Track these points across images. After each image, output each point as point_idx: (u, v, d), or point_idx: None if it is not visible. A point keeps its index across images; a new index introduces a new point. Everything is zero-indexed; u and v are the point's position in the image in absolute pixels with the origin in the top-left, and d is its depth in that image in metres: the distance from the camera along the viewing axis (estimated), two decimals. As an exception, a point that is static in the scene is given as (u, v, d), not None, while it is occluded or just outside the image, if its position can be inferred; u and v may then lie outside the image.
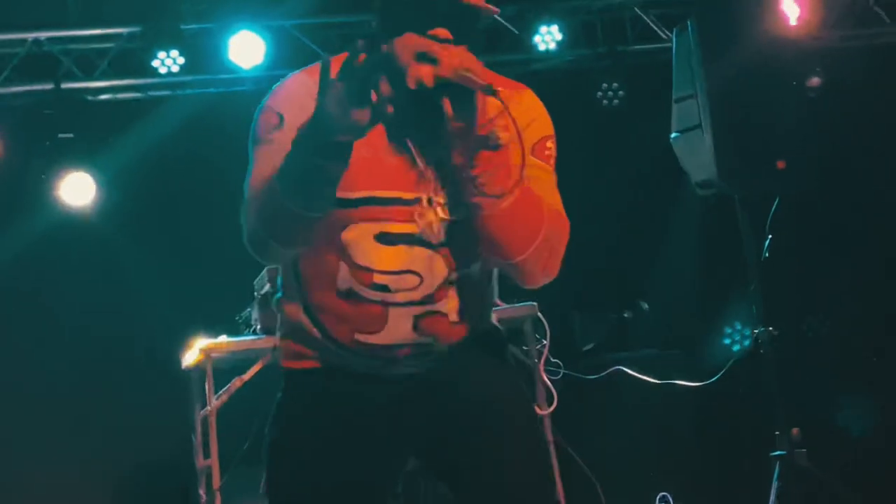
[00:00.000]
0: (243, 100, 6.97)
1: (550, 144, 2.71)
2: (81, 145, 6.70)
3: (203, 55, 6.85)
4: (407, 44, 2.49)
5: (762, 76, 5.71)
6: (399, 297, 2.65)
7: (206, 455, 5.50)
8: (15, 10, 6.51)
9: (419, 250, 2.65)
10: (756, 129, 5.62)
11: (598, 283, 7.49)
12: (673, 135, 5.82)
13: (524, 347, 5.73)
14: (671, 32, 6.52)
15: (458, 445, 2.69)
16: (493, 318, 2.91)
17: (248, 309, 5.60)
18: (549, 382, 5.70)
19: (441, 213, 2.64)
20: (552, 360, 5.82)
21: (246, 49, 6.74)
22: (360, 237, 2.63)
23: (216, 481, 5.43)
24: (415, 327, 2.67)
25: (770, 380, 5.41)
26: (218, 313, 5.67)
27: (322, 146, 2.39)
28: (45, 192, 6.76)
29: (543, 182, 2.66)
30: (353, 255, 2.63)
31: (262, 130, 2.65)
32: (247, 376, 5.35)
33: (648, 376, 6.28)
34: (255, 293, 5.52)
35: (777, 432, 5.32)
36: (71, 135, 6.64)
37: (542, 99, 2.73)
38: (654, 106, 6.22)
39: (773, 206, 5.56)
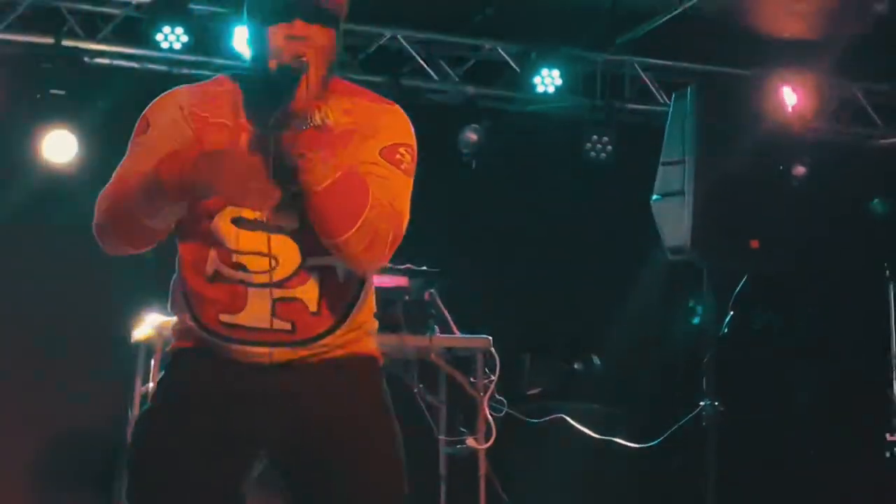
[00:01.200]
0: None
1: (403, 151, 2.86)
2: (71, 104, 6.65)
3: (207, 38, 6.81)
4: (270, 37, 2.77)
5: (752, 155, 5.81)
6: (256, 279, 2.78)
7: None
8: None
9: (276, 236, 2.78)
10: (736, 206, 5.71)
11: (555, 330, 7.51)
12: (654, 197, 5.90)
13: (472, 379, 5.72)
14: (668, 96, 6.62)
15: (310, 460, 2.84)
16: (374, 341, 3.01)
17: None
18: (490, 418, 5.70)
19: (278, 198, 2.72)
20: (497, 396, 5.81)
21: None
22: (220, 222, 2.78)
23: None
24: (273, 311, 2.79)
25: (708, 454, 5.45)
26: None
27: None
28: (28, 145, 6.71)
29: (390, 182, 2.80)
30: (217, 239, 2.78)
31: (135, 133, 2.87)
32: None
33: (589, 430, 6.29)
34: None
35: None
36: (63, 92, 6.59)
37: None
38: (640, 166, 6.27)
39: (740, 284, 5.61)
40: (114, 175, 2.83)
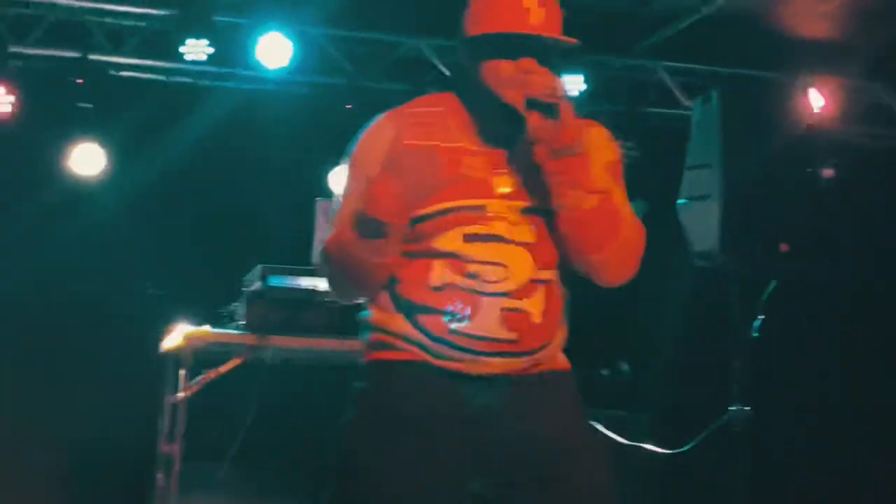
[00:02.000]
0: (263, 98, 7.06)
1: (619, 168, 2.93)
2: (98, 117, 6.72)
3: (231, 49, 6.83)
4: (500, 70, 2.82)
5: (779, 159, 5.77)
6: (489, 288, 2.79)
7: (171, 440, 5.50)
8: None
9: (507, 247, 2.81)
10: (765, 209, 5.67)
11: (584, 339, 7.48)
12: (680, 201, 5.86)
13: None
14: (691, 100, 6.61)
15: (524, 482, 2.79)
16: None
17: (235, 303, 5.58)
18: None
19: (517, 215, 2.82)
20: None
21: (273, 50, 6.73)
22: (450, 240, 2.81)
23: (176, 468, 5.41)
24: (502, 321, 2.78)
25: (740, 459, 5.42)
26: (202, 304, 5.66)
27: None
28: (56, 158, 6.77)
29: (619, 196, 2.87)
30: (447, 251, 2.81)
31: (349, 167, 2.92)
32: (223, 369, 5.36)
33: (618, 435, 6.26)
34: (244, 289, 5.51)
35: None
36: (90, 105, 6.66)
37: None
38: (664, 171, 6.27)
39: (770, 287, 5.58)
40: (335, 221, 2.88)
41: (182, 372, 5.50)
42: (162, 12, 6.72)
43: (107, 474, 6.70)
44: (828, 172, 6.54)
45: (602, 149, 2.91)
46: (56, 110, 6.70)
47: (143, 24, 6.79)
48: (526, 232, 2.84)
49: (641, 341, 7.47)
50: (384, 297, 2.87)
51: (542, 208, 2.85)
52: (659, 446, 6.31)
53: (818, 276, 5.97)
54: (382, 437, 2.79)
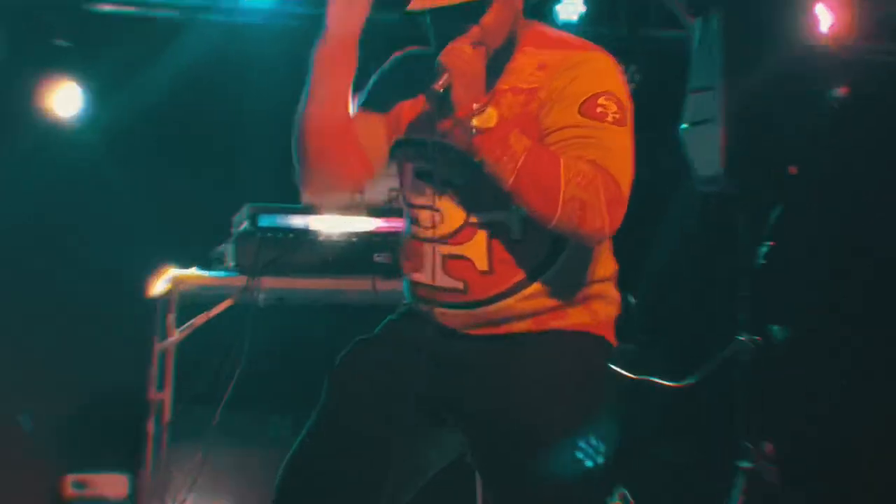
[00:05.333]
0: (249, 33, 6.98)
1: (604, 101, 2.80)
2: (75, 55, 6.69)
3: None
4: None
5: (785, 79, 5.78)
6: (426, 233, 2.90)
7: (160, 388, 5.58)
8: None
9: (445, 189, 2.87)
10: (772, 132, 5.71)
11: None
12: (683, 125, 5.88)
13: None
14: (694, 20, 6.57)
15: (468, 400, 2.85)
16: (593, 313, 2.98)
17: (224, 244, 5.59)
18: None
19: (456, 153, 2.82)
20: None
21: None
22: (407, 175, 3.00)
23: (166, 416, 5.51)
24: (443, 268, 2.87)
25: (745, 389, 5.54)
26: (190, 246, 5.68)
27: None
28: (32, 98, 6.73)
29: (595, 140, 2.77)
30: (405, 191, 3.02)
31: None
32: (212, 313, 5.37)
33: (626, 370, 6.31)
34: (233, 229, 5.53)
35: (747, 444, 5.40)
36: (68, 43, 6.63)
37: None
38: (669, 95, 6.21)
39: (777, 212, 5.59)
40: None
41: (170, 317, 5.54)
42: None
43: (97, 425, 6.71)
44: (839, 91, 6.54)
45: (574, 81, 2.83)
46: (32, 48, 6.65)
47: None
48: (464, 172, 2.84)
49: (652, 273, 7.37)
50: None
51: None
52: (667, 380, 6.38)
53: (828, 200, 6.00)
54: (359, 353, 2.98)
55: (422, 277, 2.90)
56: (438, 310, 2.88)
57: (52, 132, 6.75)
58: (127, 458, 6.46)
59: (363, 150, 2.97)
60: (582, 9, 7.20)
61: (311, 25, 6.91)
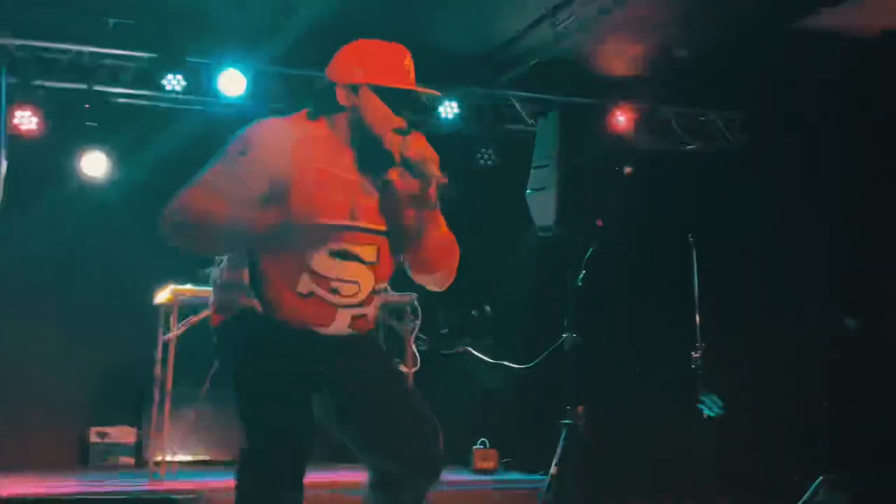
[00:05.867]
0: (224, 119, 6.92)
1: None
2: (102, 133, 6.66)
3: (199, 81, 6.77)
4: (382, 116, 2.64)
5: (595, 160, 5.92)
6: (345, 301, 2.64)
7: (164, 368, 5.54)
8: (67, 27, 6.41)
9: (360, 266, 2.65)
10: (586, 196, 5.81)
11: (459, 289, 7.61)
12: (528, 191, 5.98)
13: (402, 324, 5.88)
14: (534, 119, 6.72)
15: (351, 385, 2.72)
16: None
17: (210, 268, 5.60)
18: (415, 351, 5.88)
19: (368, 236, 2.64)
20: (421, 336, 5.98)
21: (232, 82, 6.69)
22: (320, 256, 2.58)
23: (169, 386, 5.51)
24: (350, 324, 2.68)
25: (569, 371, 5.57)
26: (185, 268, 5.64)
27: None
28: (71, 164, 6.71)
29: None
30: (314, 266, 2.59)
31: (230, 150, 2.56)
32: (202, 315, 5.37)
33: (486, 357, 6.46)
34: (216, 258, 5.55)
35: (568, 407, 5.48)
36: (96, 124, 6.59)
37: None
38: (516, 171, 6.33)
39: (590, 251, 5.67)
40: (199, 180, 2.51)
41: (172, 318, 5.55)
42: (147, 55, 6.65)
43: (116, 391, 6.71)
44: (628, 170, 6.77)
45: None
46: (70, 128, 6.62)
47: (133, 63, 6.70)
48: (373, 252, 2.67)
49: (505, 291, 7.52)
50: (251, 282, 2.62)
51: (386, 233, 2.68)
52: (515, 363, 6.51)
53: (622, 242, 6.10)
54: (263, 364, 2.60)
55: (326, 331, 2.62)
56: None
57: (87, 188, 6.75)
58: (136, 416, 6.53)
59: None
60: (457, 110, 7.25)
61: (267, 114, 6.98)
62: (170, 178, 2.74)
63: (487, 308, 7.45)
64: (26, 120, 6.45)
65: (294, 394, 2.60)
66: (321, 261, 2.59)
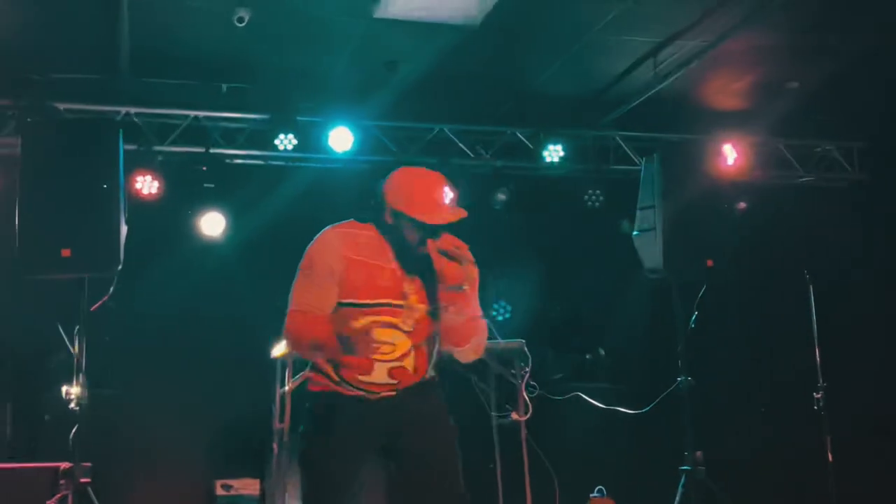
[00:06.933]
0: (334, 174, 7.13)
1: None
2: (219, 193, 6.84)
3: (310, 139, 6.94)
4: (413, 234, 3.20)
5: (703, 198, 5.78)
6: (382, 357, 3.23)
7: (281, 420, 5.61)
8: (183, 93, 6.66)
9: (398, 332, 3.25)
10: (695, 236, 5.69)
11: (570, 333, 7.55)
12: (634, 232, 5.91)
13: (512, 371, 5.81)
14: (641, 158, 6.65)
15: (403, 438, 3.27)
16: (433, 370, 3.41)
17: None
18: (527, 398, 5.79)
19: (408, 311, 3.24)
20: (531, 382, 5.90)
21: (340, 139, 6.86)
22: (369, 322, 3.20)
23: (285, 438, 5.56)
24: (389, 374, 3.25)
25: (685, 415, 5.51)
26: None
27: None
28: (190, 223, 6.89)
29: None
30: (363, 331, 3.19)
31: (302, 267, 3.25)
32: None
33: (599, 402, 6.35)
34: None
35: (686, 452, 5.43)
36: (213, 185, 6.79)
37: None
38: (623, 211, 6.32)
39: (701, 292, 5.63)
40: (294, 302, 3.19)
41: (287, 372, 5.60)
42: (260, 116, 6.86)
43: (238, 444, 6.78)
44: (741, 206, 6.63)
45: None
46: (188, 190, 6.81)
47: (246, 126, 6.90)
48: (411, 322, 3.24)
49: (618, 333, 7.45)
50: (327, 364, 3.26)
51: (425, 310, 3.24)
52: (629, 408, 6.41)
53: (734, 280, 5.97)
54: (324, 434, 3.24)
55: (368, 378, 3.22)
56: (379, 392, 3.23)
57: (205, 247, 6.91)
58: (258, 468, 6.56)
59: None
60: (562, 153, 7.28)
61: (374, 167, 7.06)
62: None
63: (601, 351, 7.35)
64: (147, 185, 6.67)
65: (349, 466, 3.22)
66: (369, 327, 3.21)
